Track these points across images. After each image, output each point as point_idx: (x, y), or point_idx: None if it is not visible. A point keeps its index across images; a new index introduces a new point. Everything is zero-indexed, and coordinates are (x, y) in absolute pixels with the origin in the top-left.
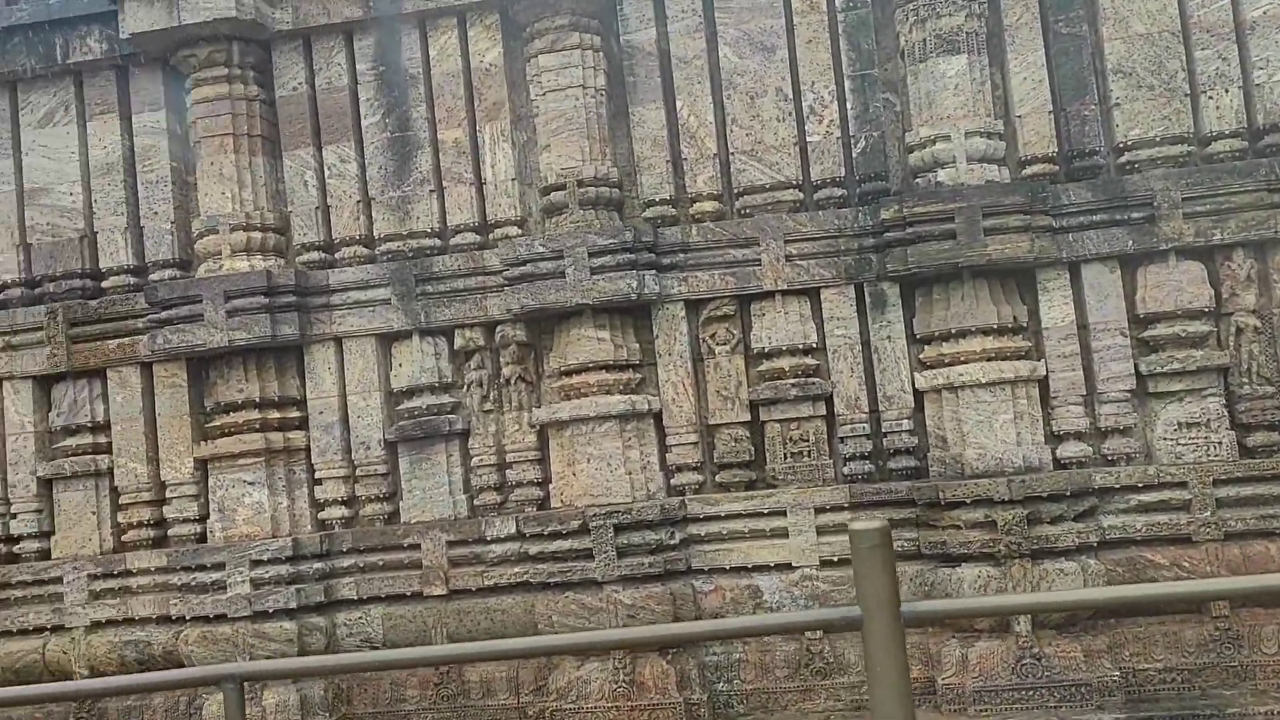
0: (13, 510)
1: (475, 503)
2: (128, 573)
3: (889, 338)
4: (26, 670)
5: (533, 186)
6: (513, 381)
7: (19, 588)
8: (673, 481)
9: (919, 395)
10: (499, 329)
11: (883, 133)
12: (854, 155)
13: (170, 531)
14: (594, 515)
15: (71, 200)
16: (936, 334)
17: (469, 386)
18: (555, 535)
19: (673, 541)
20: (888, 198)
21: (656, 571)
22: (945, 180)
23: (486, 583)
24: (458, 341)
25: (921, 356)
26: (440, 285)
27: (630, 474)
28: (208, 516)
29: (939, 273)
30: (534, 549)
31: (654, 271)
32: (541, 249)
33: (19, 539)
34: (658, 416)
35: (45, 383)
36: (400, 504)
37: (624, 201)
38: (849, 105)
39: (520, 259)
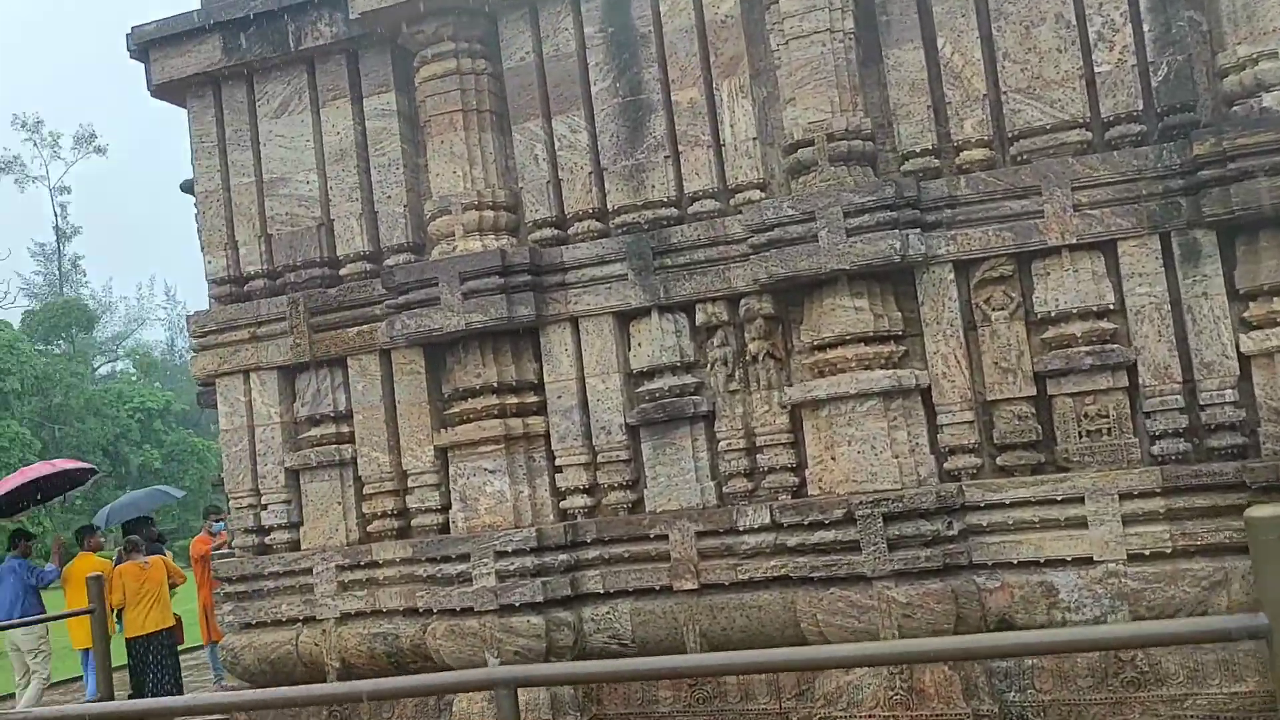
0: (263, 501)
1: (724, 490)
2: (374, 564)
3: (1205, 294)
4: (280, 662)
5: (775, 145)
6: (760, 358)
7: (271, 579)
8: (945, 465)
9: (1245, 361)
10: (743, 302)
11: (1188, 56)
12: (1153, 85)
13: (414, 522)
14: (860, 503)
15: (308, 188)
16: (1266, 288)
17: (713, 365)
18: (816, 525)
19: (950, 532)
20: (1199, 131)
21: (934, 566)
22: (1273, 105)
23: (740, 576)
24: (699, 317)
25: (1247, 315)
26: (679, 257)
27: (898, 457)
28: (449, 506)
29: (1270, 215)
30: (792, 540)
31: (918, 230)
32: (791, 211)
33: (269, 530)
34: (925, 393)
35: (289, 373)
36: (644, 492)
37: (877, 156)
38: (1145, 27)
39: (767, 224)
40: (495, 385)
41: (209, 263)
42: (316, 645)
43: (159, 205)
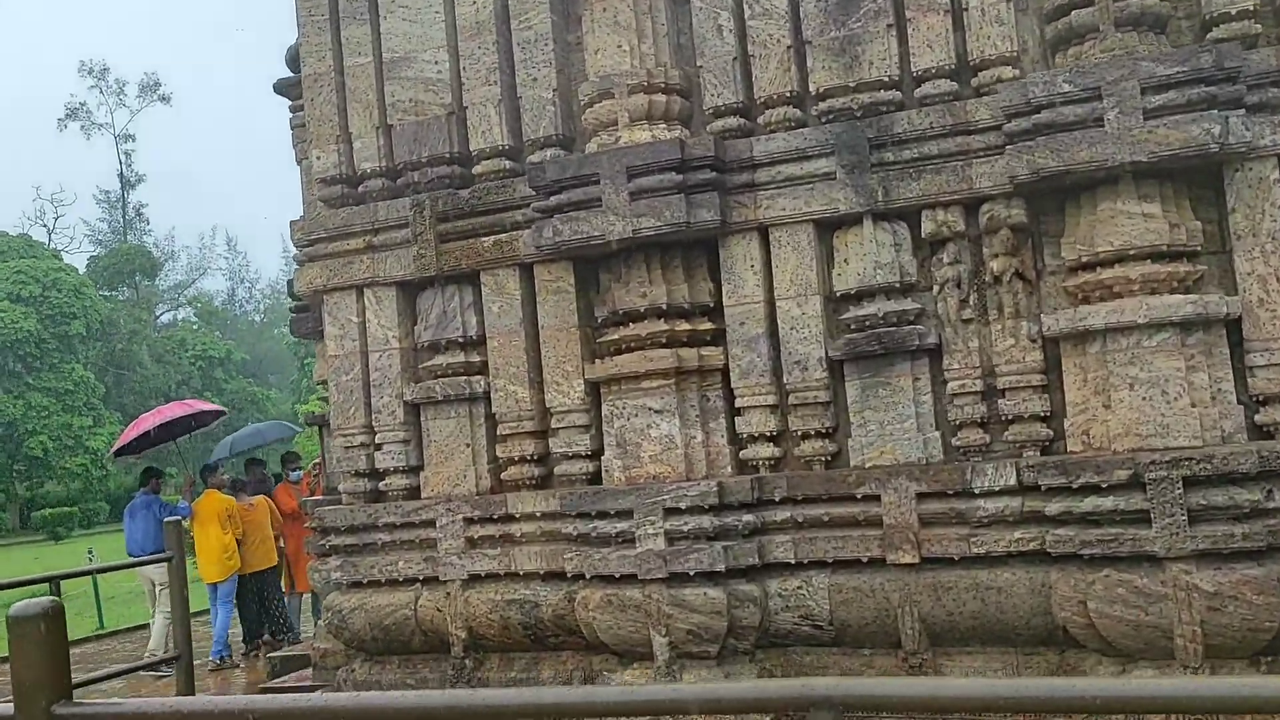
0: (377, 440)
1: (953, 442)
2: (509, 517)
3: None
4: (396, 628)
5: (1030, 12)
6: (1004, 279)
7: (385, 531)
8: (1256, 418)
9: None
10: (985, 208)
11: None
12: None
13: (556, 470)
14: (1151, 464)
15: (437, 70)
16: None
17: (941, 287)
18: (1089, 490)
19: (1273, 504)
20: None
21: (1253, 546)
22: None
23: (975, 549)
24: (926, 227)
25: None
26: (904, 151)
27: (1196, 406)
28: (600, 452)
29: None
30: (1052, 507)
31: (1241, 112)
32: (1068, 87)
33: (384, 474)
34: (1232, 325)
35: (411, 290)
36: (846, 442)
37: (1168, 21)
38: None
39: (1033, 104)
40: (664, 307)
41: (317, 159)
42: (439, 610)
43: (221, 156)
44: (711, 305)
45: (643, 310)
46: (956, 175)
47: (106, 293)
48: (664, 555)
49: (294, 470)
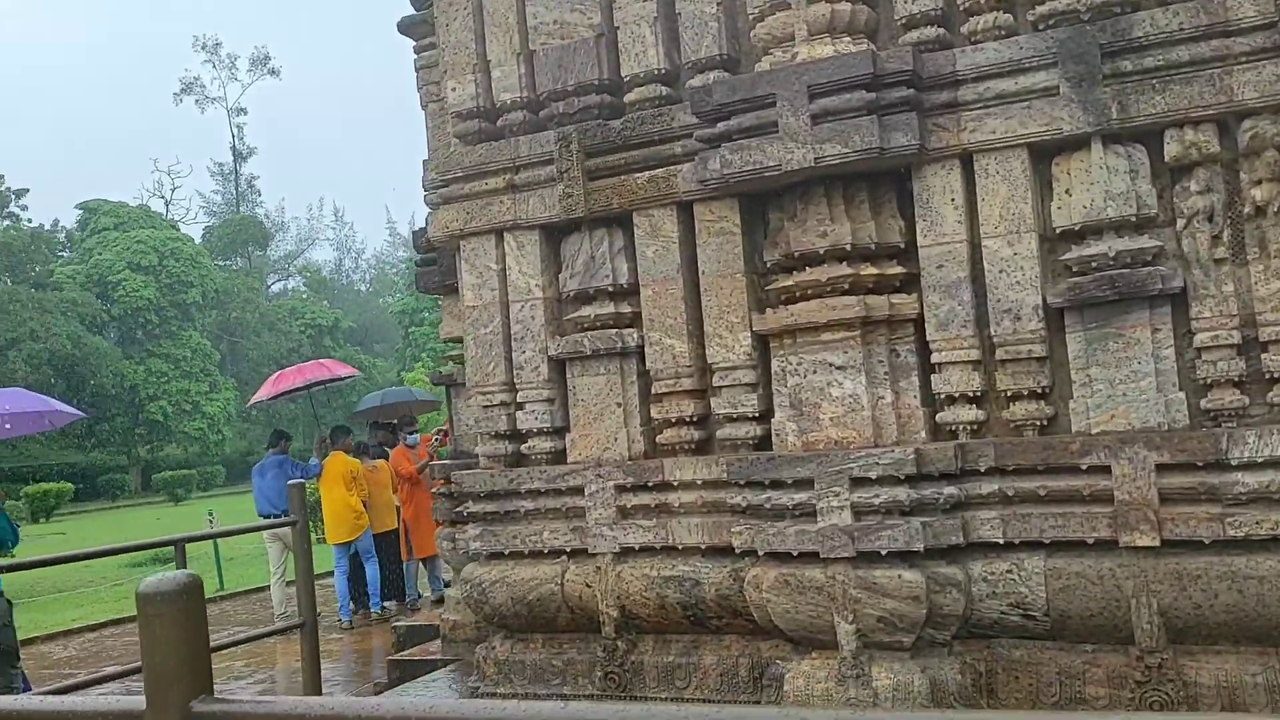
0: (519, 399)
1: (1201, 404)
2: (666, 485)
3: None
4: (541, 604)
5: None
6: (1270, 210)
7: (529, 498)
8: None
9: None
10: (1247, 125)
11: None
12: None
13: (719, 433)
14: None
15: None
16: None
17: (1188, 221)
18: None
19: None
20: None
21: None
22: None
23: (1230, 532)
24: (1170, 149)
25: None
26: (1144, 59)
27: None
28: (769, 413)
29: None
30: None
31: None
32: None
33: (526, 436)
34: None
35: (555, 234)
36: (1068, 405)
37: None
38: None
39: None
40: (847, 249)
41: (452, 90)
42: (588, 586)
43: (328, 128)
44: (901, 246)
45: (822, 252)
46: (1212, 86)
47: (221, 262)
48: (851, 531)
49: (410, 434)
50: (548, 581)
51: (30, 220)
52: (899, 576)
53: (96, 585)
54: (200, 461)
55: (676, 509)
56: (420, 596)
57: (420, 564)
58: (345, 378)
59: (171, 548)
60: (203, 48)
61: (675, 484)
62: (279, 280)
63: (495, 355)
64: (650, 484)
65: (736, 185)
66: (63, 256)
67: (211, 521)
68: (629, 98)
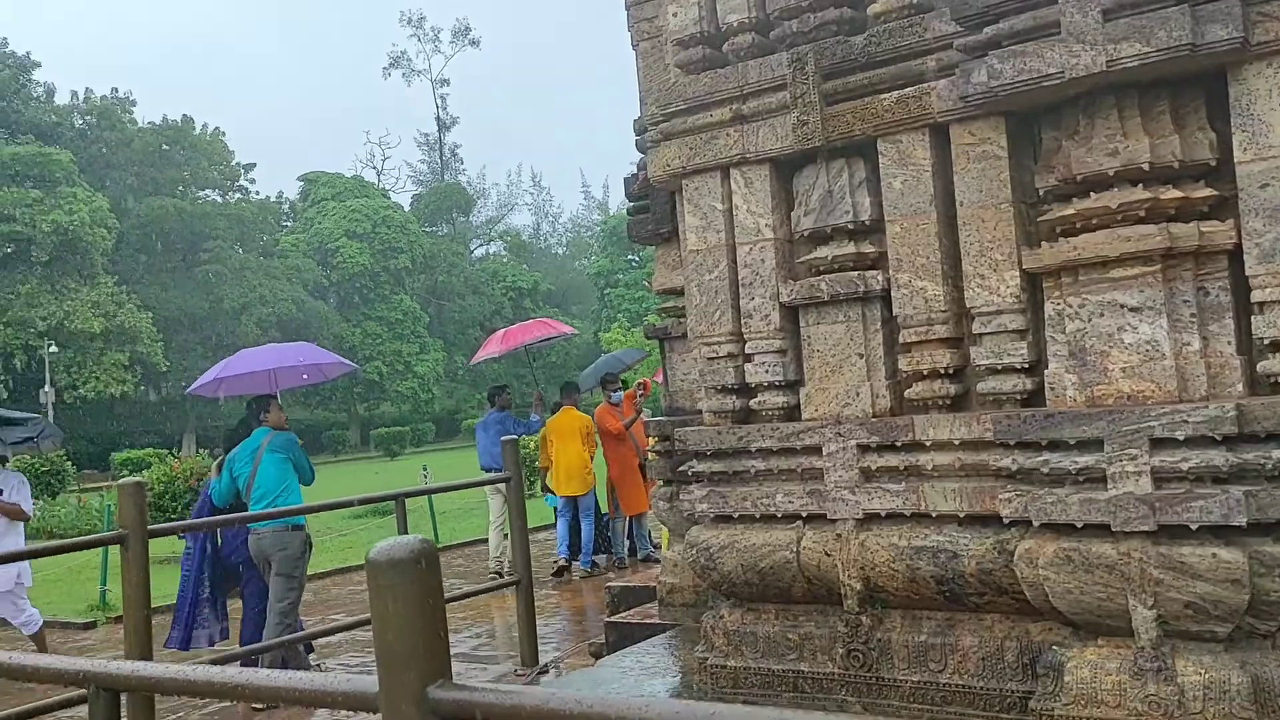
0: (747, 350)
1: None
2: (917, 445)
3: None
4: (775, 572)
5: None
6: None
7: (760, 457)
8: None
9: None
10: None
11: None
12: None
13: (979, 386)
14: None
15: None
16: None
17: None
18: None
19: None
20: None
21: None
22: None
23: None
24: None
25: None
26: None
27: None
28: (1040, 363)
29: None
30: None
31: None
32: None
33: (755, 390)
34: None
35: (786, 169)
36: None
37: None
38: None
39: None
40: (1144, 168)
41: (674, 15)
42: (827, 555)
43: (526, 95)
44: (1212, 164)
45: (1111, 174)
46: None
47: (428, 229)
48: (1151, 501)
49: (614, 392)
50: (781, 548)
51: (258, 193)
52: (1213, 555)
53: (321, 535)
54: (411, 419)
55: (929, 472)
56: (628, 555)
57: (627, 521)
58: (568, 335)
59: (391, 501)
60: (408, 22)
61: (928, 444)
62: (481, 245)
63: (721, 303)
64: (898, 444)
65: (1006, 100)
66: (286, 226)
67: (426, 476)
68: (873, 9)
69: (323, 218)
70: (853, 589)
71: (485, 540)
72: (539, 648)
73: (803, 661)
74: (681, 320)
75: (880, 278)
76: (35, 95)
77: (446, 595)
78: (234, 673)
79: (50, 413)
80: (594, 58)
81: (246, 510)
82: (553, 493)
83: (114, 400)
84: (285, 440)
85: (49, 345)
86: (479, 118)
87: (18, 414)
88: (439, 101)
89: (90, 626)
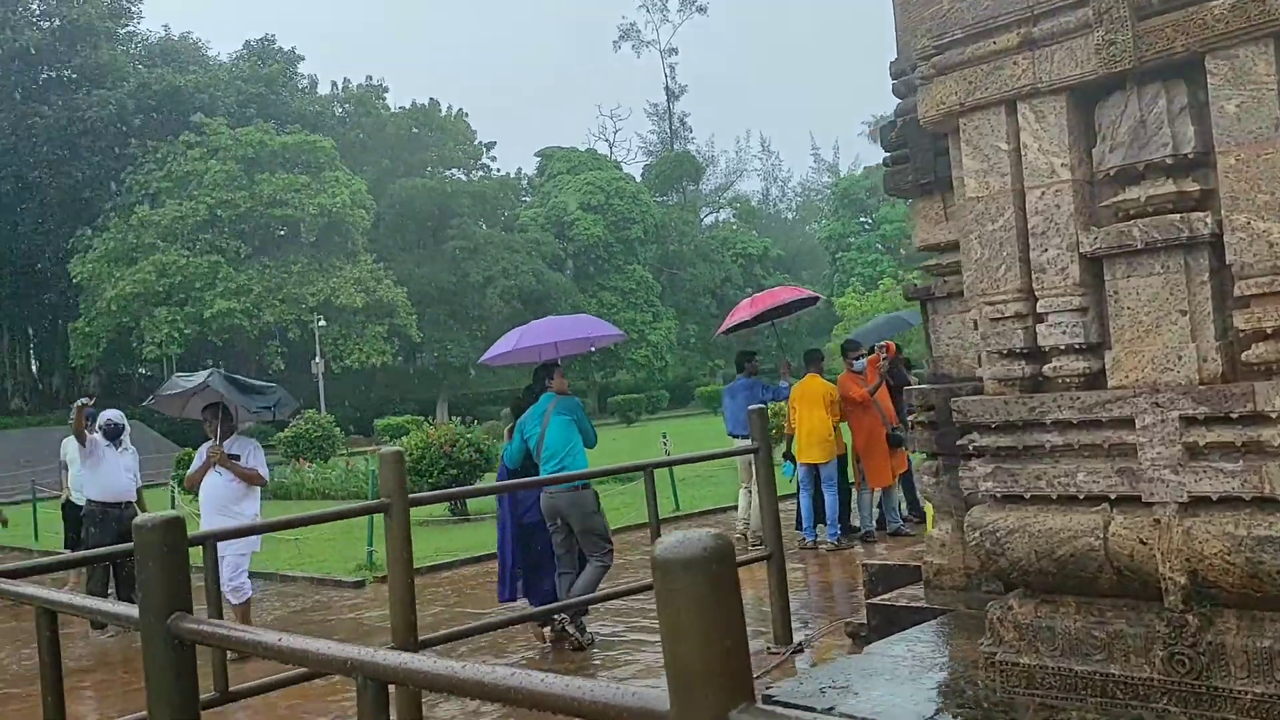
0: (1039, 309)
1: None
2: (1258, 417)
3: None
4: (1076, 561)
5: None
6: None
7: (1056, 430)
8: None
9: None
10: None
11: None
12: None
13: None
14: None
15: None
16: None
17: None
18: None
19: None
20: None
21: None
22: None
23: None
24: None
25: None
26: None
27: None
28: None
29: None
30: None
31: None
32: None
33: (1050, 354)
34: None
35: (1083, 100)
36: None
37: None
38: None
39: None
40: None
41: None
42: (1142, 543)
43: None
44: None
45: None
46: None
47: (659, 198)
48: None
49: (856, 359)
50: (1084, 534)
51: (498, 170)
52: None
53: None
54: (645, 386)
55: (1274, 449)
56: (875, 528)
57: (874, 494)
58: (815, 300)
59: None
60: None
61: (1273, 415)
62: (710, 213)
63: (1006, 256)
64: (1234, 415)
65: None
66: (525, 201)
67: (665, 444)
68: None
69: (559, 191)
70: (1175, 583)
71: (725, 509)
72: (792, 628)
73: (1112, 663)
74: (946, 279)
75: (1208, 220)
76: (300, 87)
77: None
78: (505, 674)
79: (320, 382)
80: (821, 18)
81: (538, 471)
82: (793, 461)
83: (375, 370)
84: (570, 404)
85: (318, 320)
86: (707, 85)
87: (259, 383)
88: (667, 71)
89: (359, 585)
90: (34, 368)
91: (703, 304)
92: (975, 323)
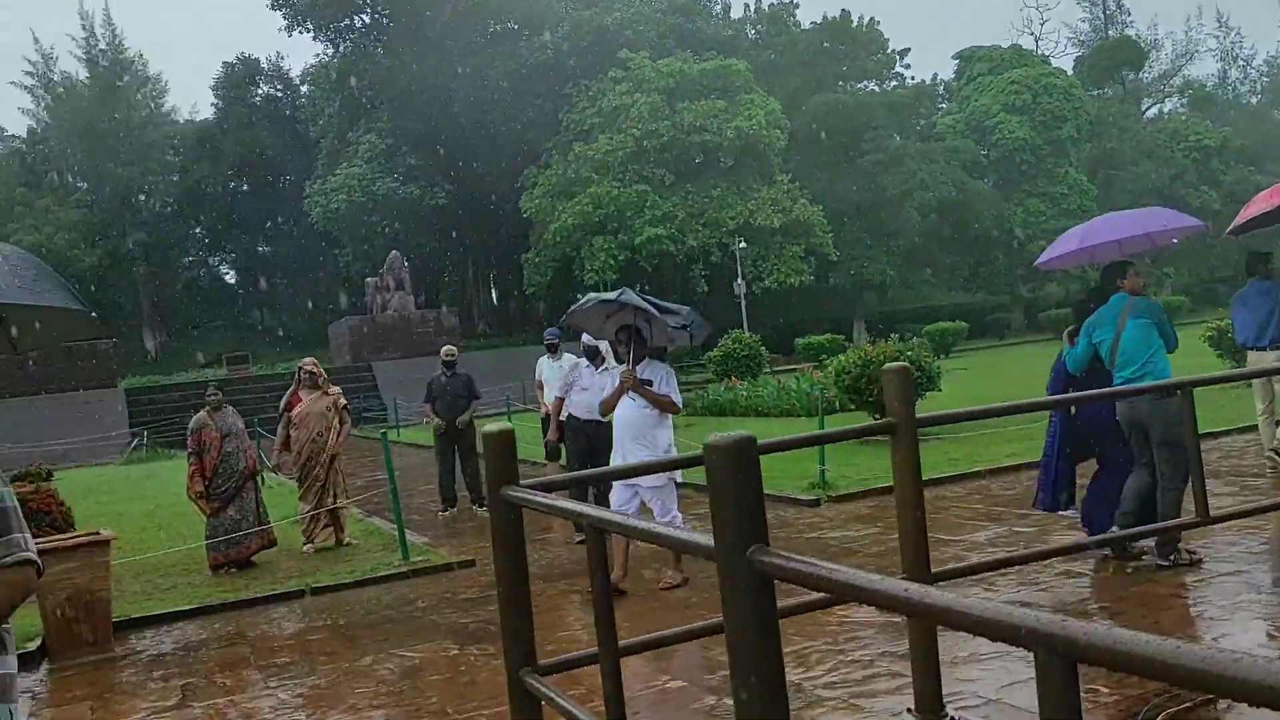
0: None
1: None
2: None
3: None
4: None
5: None
6: None
7: None
8: None
9: None
10: None
11: None
12: None
13: None
14: None
15: None
16: None
17: None
18: None
19: None
20: None
21: None
22: None
23: None
24: None
25: None
26: None
27: None
28: None
29: None
30: None
31: None
32: None
33: None
34: None
35: None
36: None
37: None
38: None
39: None
40: None
41: None
42: None
43: None
44: None
45: None
46: None
47: (1093, 92)
48: None
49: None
50: None
51: (913, 78)
52: None
53: (983, 429)
54: (1077, 300)
55: None
56: None
57: None
58: None
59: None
60: None
61: None
62: (1153, 104)
63: None
64: None
65: None
66: (942, 108)
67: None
68: None
69: (979, 94)
70: None
71: (1235, 431)
72: None
73: None
74: None
75: None
76: (714, 14)
77: (1212, 511)
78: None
79: (742, 303)
80: None
81: (1108, 378)
82: None
83: (792, 290)
84: (1148, 305)
85: (739, 241)
86: None
87: (670, 304)
88: None
89: (814, 504)
90: (494, 296)
91: (1145, 206)
92: None
